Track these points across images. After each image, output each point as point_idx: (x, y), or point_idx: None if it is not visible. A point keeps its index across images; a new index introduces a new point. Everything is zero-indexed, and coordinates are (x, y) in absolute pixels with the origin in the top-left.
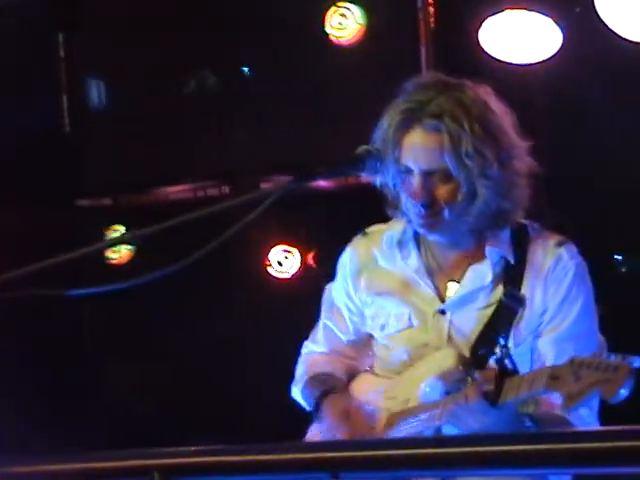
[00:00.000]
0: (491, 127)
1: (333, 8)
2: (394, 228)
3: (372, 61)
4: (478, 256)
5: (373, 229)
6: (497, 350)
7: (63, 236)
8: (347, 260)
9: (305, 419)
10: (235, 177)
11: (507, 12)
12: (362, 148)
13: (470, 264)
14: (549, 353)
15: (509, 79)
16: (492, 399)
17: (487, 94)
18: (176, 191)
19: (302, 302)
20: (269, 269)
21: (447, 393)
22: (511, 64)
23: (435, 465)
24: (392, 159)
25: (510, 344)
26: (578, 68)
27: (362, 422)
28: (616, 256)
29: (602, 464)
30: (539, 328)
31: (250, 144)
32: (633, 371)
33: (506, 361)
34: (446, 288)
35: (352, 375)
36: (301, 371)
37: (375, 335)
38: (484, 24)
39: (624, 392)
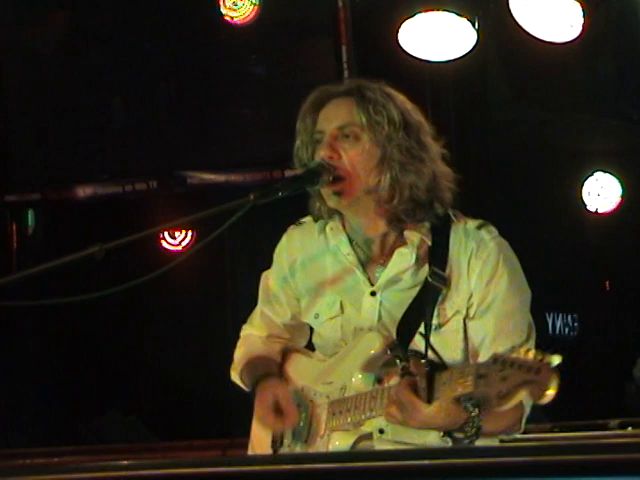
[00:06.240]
0: (407, 116)
1: None
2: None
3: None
4: (400, 242)
5: (307, 219)
6: (419, 333)
7: None
8: (283, 249)
9: None
10: (161, 172)
11: (422, 14)
12: (315, 162)
13: (395, 249)
14: (488, 333)
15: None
16: (425, 397)
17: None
18: (104, 186)
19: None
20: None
21: (379, 381)
22: (429, 62)
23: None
24: (310, 137)
25: (435, 322)
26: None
27: (292, 413)
28: None
29: None
30: (469, 310)
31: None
32: (555, 370)
33: (429, 352)
34: (375, 273)
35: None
36: (239, 355)
37: (310, 323)
38: (403, 25)
39: (551, 393)
